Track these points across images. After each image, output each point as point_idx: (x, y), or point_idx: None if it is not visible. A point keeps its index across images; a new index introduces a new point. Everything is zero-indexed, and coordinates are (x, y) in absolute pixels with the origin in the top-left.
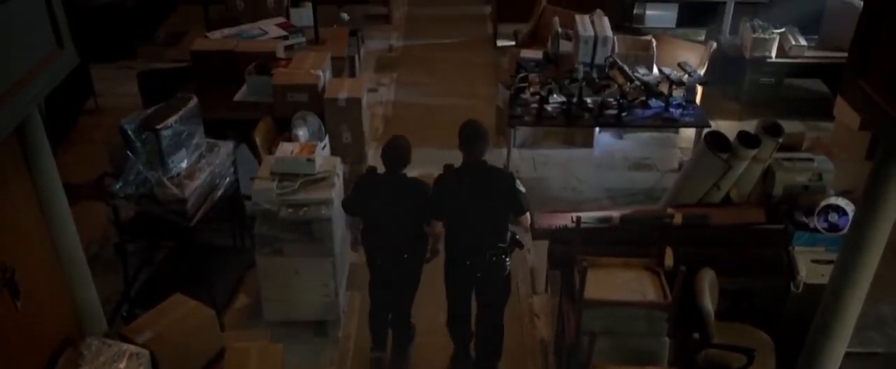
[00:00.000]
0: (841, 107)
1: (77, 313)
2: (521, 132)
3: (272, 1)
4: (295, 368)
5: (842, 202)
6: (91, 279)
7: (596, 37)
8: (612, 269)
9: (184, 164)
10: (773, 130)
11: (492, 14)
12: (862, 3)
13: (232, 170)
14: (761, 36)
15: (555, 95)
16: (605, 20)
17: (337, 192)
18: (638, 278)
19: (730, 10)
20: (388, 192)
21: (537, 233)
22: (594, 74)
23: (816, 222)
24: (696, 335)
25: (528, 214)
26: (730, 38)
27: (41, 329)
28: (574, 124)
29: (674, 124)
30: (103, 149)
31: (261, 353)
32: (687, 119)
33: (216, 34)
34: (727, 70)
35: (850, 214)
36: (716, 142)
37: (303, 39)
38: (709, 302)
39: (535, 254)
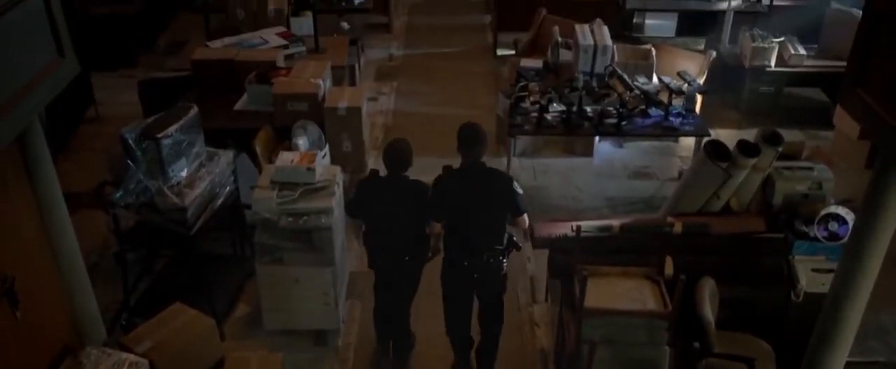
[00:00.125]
0: (840, 117)
1: (76, 322)
2: (521, 141)
3: (273, 10)
4: None
5: (842, 211)
6: (91, 288)
7: (596, 46)
8: (612, 278)
9: (184, 173)
10: (773, 139)
11: (492, 23)
12: (861, 12)
13: (232, 179)
14: (761, 45)
15: (555, 104)
16: (605, 29)
17: (337, 201)
18: (638, 287)
19: (729, 19)
20: (390, 194)
21: (537, 242)
22: (594, 83)
23: (816, 231)
24: (697, 344)
25: (525, 216)
26: (729, 47)
27: (41, 338)
28: (574, 133)
29: (673, 133)
30: (103, 157)
31: (260, 363)
32: (686, 128)
33: (216, 43)
34: (727, 79)
35: (850, 223)
36: (715, 150)
37: (303, 48)
38: (709, 311)
39: (535, 263)
